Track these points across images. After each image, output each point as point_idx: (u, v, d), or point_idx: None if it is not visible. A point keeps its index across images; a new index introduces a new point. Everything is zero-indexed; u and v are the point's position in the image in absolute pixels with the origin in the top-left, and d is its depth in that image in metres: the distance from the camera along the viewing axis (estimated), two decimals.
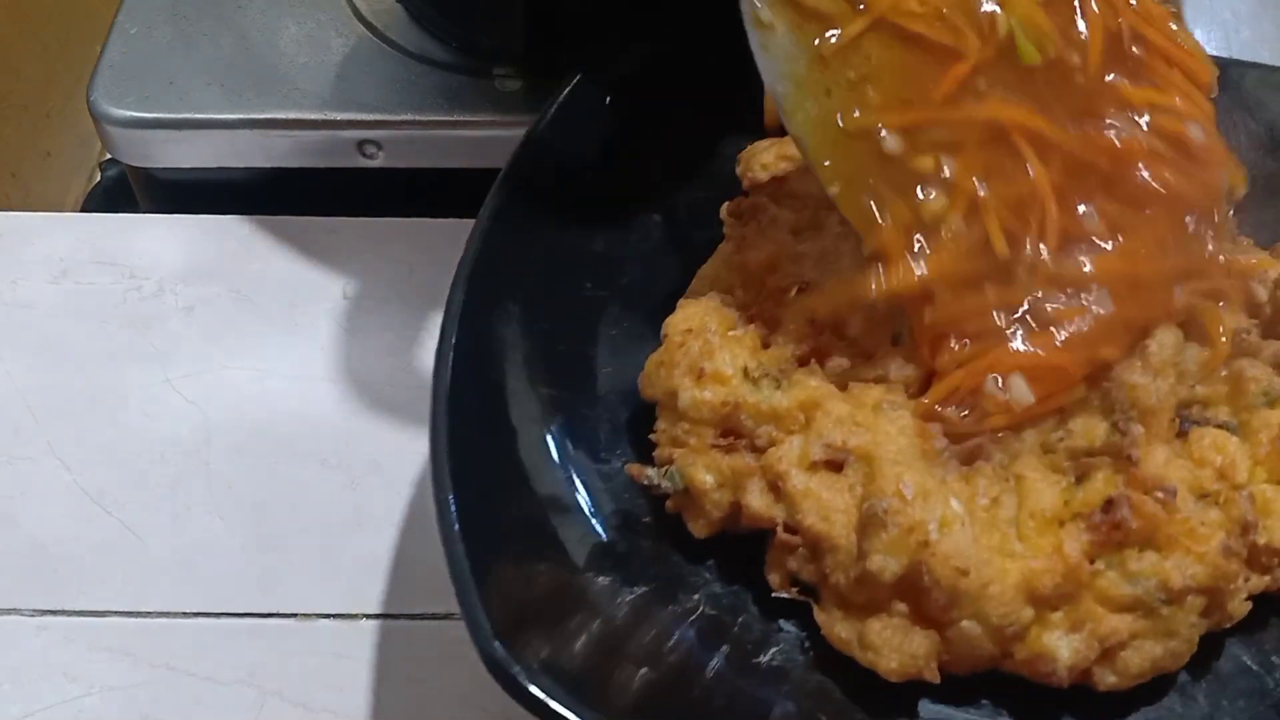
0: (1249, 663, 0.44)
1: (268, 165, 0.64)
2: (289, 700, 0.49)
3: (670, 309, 0.48)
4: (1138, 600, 0.42)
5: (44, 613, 0.51)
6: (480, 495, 0.43)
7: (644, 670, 0.42)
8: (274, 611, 0.51)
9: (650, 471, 0.46)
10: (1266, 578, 0.44)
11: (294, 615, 0.51)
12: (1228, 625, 0.43)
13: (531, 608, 0.42)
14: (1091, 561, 0.42)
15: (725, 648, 0.44)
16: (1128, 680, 0.42)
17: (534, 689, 0.38)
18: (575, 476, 0.47)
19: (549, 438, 0.47)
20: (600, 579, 0.44)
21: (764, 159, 0.52)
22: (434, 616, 0.51)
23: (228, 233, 0.62)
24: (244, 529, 0.53)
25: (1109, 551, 0.42)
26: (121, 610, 0.51)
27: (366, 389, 0.57)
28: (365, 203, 0.63)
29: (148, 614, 0.51)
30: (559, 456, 0.47)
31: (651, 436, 0.47)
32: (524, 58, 0.64)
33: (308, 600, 0.52)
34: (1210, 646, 0.44)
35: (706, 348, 0.45)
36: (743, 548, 0.45)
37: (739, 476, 0.44)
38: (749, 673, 0.43)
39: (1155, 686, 0.43)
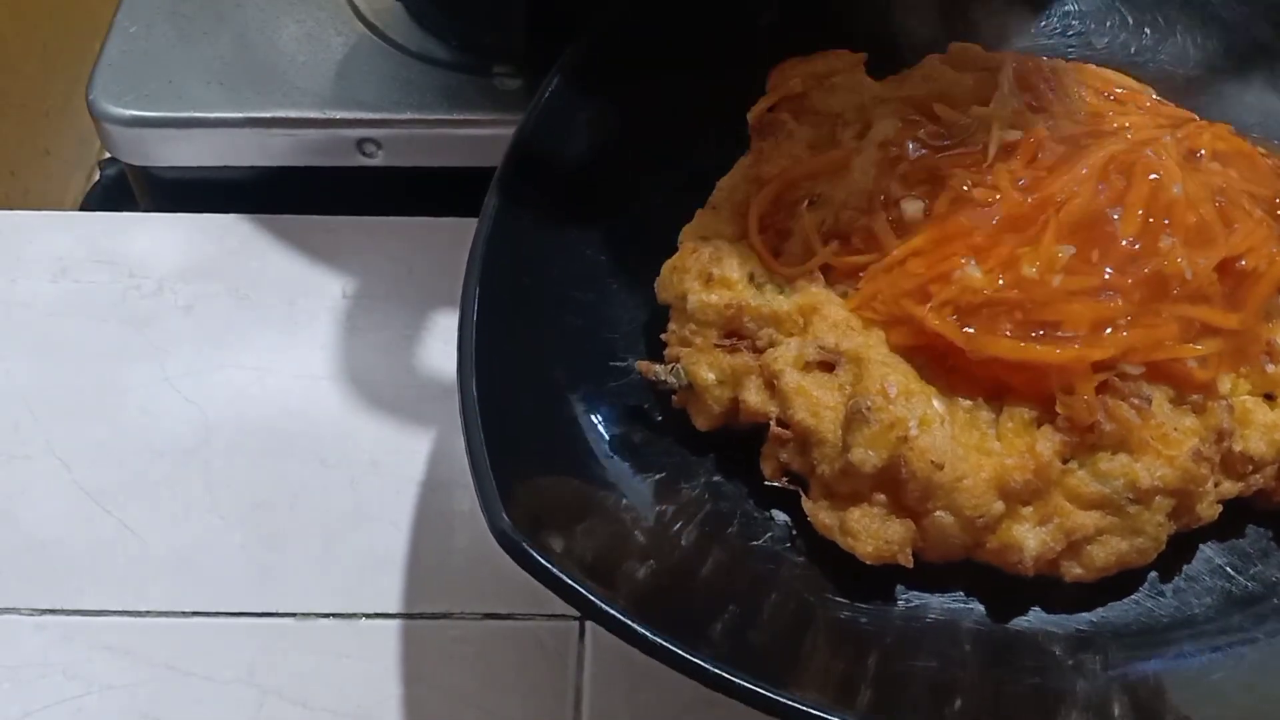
0: (1222, 564, 0.47)
1: (267, 164, 0.64)
2: (288, 699, 0.49)
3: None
4: (1105, 498, 0.45)
5: (43, 612, 0.51)
6: (500, 387, 0.46)
7: (650, 555, 0.45)
8: (273, 610, 0.51)
9: (658, 368, 0.49)
10: (1240, 484, 0.46)
11: (293, 614, 0.51)
12: (1196, 527, 0.46)
13: (546, 492, 0.45)
14: (1065, 462, 0.45)
15: (724, 534, 0.47)
16: (1092, 573, 0.45)
17: (543, 560, 0.41)
18: (593, 372, 0.50)
19: (569, 337, 0.50)
20: (611, 468, 0.48)
21: (791, 74, 0.55)
22: (434, 616, 0.51)
23: (227, 231, 0.62)
24: (243, 528, 0.53)
25: (1082, 453, 0.45)
26: (121, 609, 0.51)
27: (366, 388, 0.57)
28: (365, 201, 0.63)
29: (147, 613, 0.51)
30: (578, 354, 0.50)
31: (663, 337, 0.50)
32: (524, 56, 0.64)
33: (307, 599, 0.52)
34: (1183, 547, 0.47)
35: (716, 254, 0.49)
36: (739, 445, 0.49)
37: (738, 374, 0.48)
38: (745, 558, 0.47)
39: (1125, 582, 0.46)
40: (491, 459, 0.43)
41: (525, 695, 0.49)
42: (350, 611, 0.51)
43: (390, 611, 0.51)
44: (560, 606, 0.51)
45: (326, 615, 0.51)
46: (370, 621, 0.51)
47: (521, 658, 0.50)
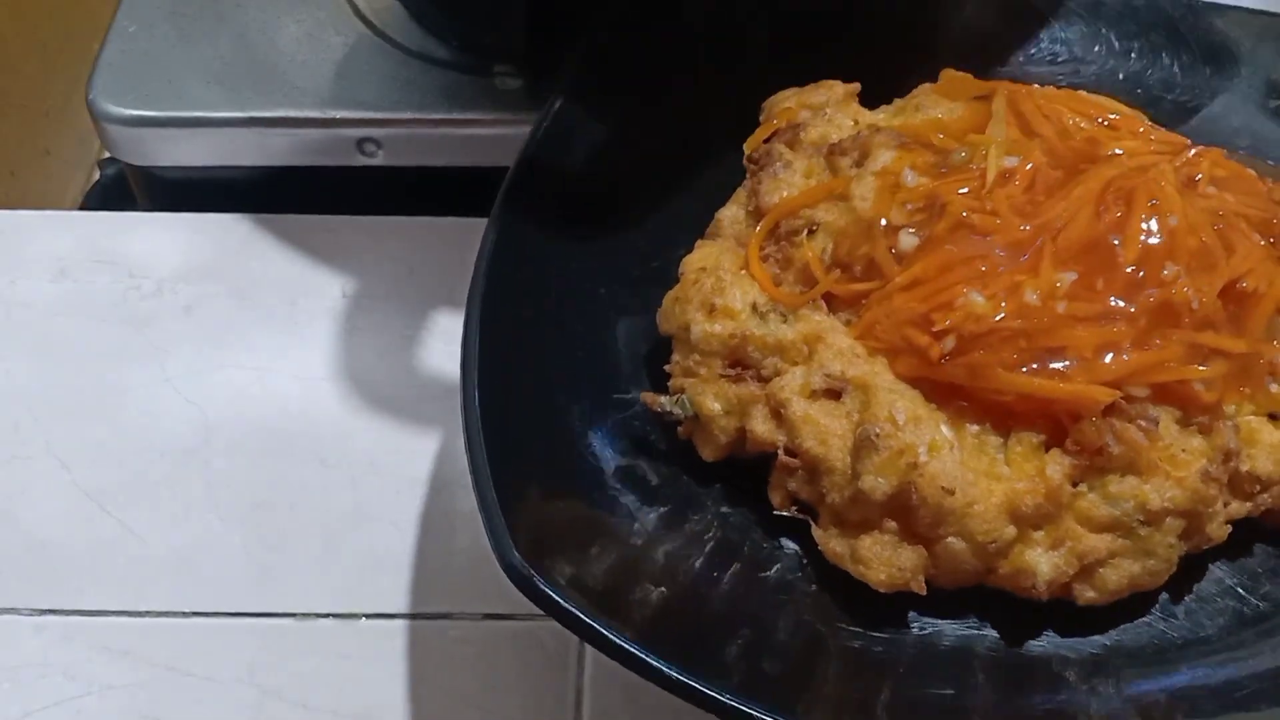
0: (1232, 584, 0.47)
1: (267, 164, 0.64)
2: (288, 700, 0.49)
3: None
4: (1116, 521, 0.44)
5: (43, 612, 0.51)
6: (504, 419, 0.46)
7: (660, 587, 0.45)
8: (273, 611, 0.51)
9: (664, 399, 0.49)
10: (1249, 504, 0.46)
11: (293, 615, 0.51)
12: (1207, 547, 0.46)
13: (553, 525, 0.45)
14: (1075, 485, 0.45)
15: (734, 566, 0.47)
16: (1106, 596, 0.45)
17: (553, 594, 0.41)
18: (596, 404, 0.50)
19: (573, 370, 0.50)
20: (618, 500, 0.47)
21: (785, 105, 0.55)
22: (434, 616, 0.51)
23: (227, 231, 0.62)
24: (243, 528, 0.53)
25: (1092, 476, 0.45)
26: (121, 610, 0.51)
27: (366, 388, 0.57)
28: (365, 201, 0.63)
29: (147, 613, 0.51)
30: (582, 387, 0.50)
31: (666, 368, 0.50)
32: (524, 56, 0.63)
33: (307, 600, 0.52)
34: (1193, 568, 0.47)
35: (718, 284, 0.48)
36: (746, 474, 0.48)
37: (744, 404, 0.47)
38: (755, 588, 0.46)
39: (1137, 604, 0.46)
40: (498, 493, 0.43)
41: (526, 696, 0.49)
42: (350, 611, 0.51)
43: (390, 612, 0.51)
44: None
45: (326, 615, 0.51)
46: (370, 622, 0.51)
47: (522, 658, 0.50)
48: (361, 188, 0.64)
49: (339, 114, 0.63)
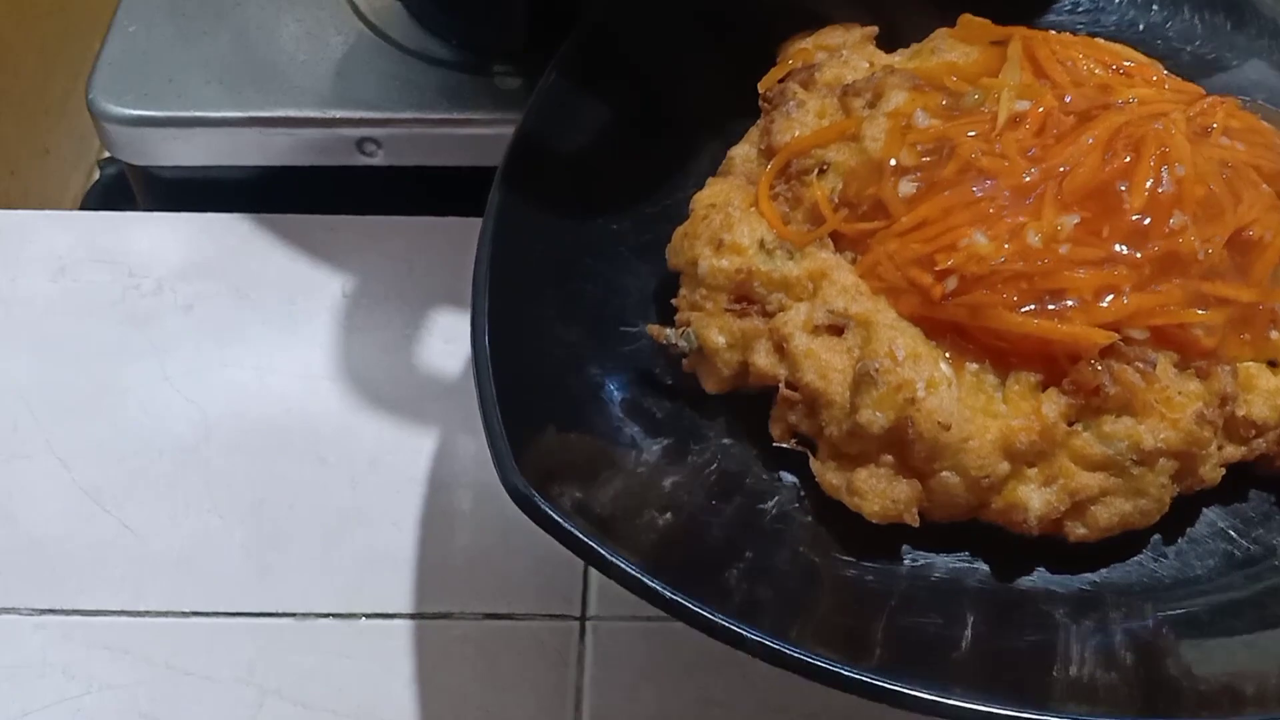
0: (1224, 527, 0.48)
1: (267, 163, 0.64)
2: (288, 699, 0.49)
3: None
4: (1110, 460, 0.45)
5: (42, 611, 0.51)
6: (512, 349, 0.46)
7: (662, 515, 0.45)
8: (273, 610, 0.51)
9: (669, 332, 0.49)
10: (1243, 448, 0.47)
11: (293, 614, 0.51)
12: (1200, 489, 0.46)
13: (557, 453, 0.46)
14: (1070, 424, 0.45)
15: (733, 495, 0.47)
16: (1096, 533, 0.45)
17: (554, 514, 0.41)
18: (604, 337, 0.50)
19: (580, 303, 0.51)
20: (622, 431, 0.48)
21: (801, 46, 0.55)
22: (434, 616, 0.51)
23: (227, 230, 0.62)
24: (243, 527, 0.53)
25: (1088, 416, 0.45)
26: (120, 609, 0.51)
27: (366, 387, 0.57)
28: (365, 200, 0.63)
29: (146, 612, 0.51)
30: (589, 320, 0.51)
31: (674, 302, 0.50)
32: (524, 55, 0.63)
33: (307, 599, 0.52)
34: (1186, 510, 0.47)
35: (726, 221, 0.49)
36: (749, 408, 0.49)
37: (748, 338, 0.48)
38: (754, 518, 0.47)
39: (1128, 543, 0.47)
40: (503, 416, 0.43)
41: (525, 695, 0.49)
42: (350, 611, 0.51)
43: (390, 611, 0.51)
44: (561, 606, 0.51)
45: (326, 615, 0.51)
46: (370, 621, 0.51)
47: (522, 658, 0.50)
48: (361, 187, 0.64)
49: (339, 114, 0.63)
